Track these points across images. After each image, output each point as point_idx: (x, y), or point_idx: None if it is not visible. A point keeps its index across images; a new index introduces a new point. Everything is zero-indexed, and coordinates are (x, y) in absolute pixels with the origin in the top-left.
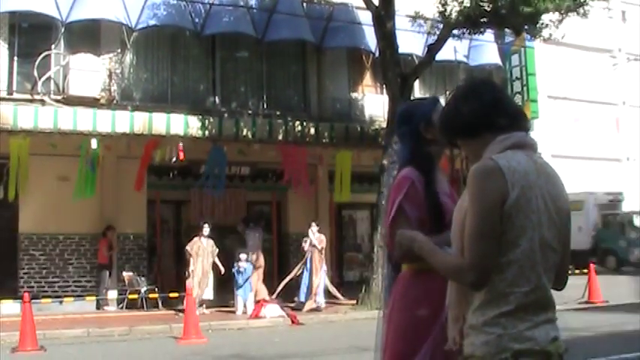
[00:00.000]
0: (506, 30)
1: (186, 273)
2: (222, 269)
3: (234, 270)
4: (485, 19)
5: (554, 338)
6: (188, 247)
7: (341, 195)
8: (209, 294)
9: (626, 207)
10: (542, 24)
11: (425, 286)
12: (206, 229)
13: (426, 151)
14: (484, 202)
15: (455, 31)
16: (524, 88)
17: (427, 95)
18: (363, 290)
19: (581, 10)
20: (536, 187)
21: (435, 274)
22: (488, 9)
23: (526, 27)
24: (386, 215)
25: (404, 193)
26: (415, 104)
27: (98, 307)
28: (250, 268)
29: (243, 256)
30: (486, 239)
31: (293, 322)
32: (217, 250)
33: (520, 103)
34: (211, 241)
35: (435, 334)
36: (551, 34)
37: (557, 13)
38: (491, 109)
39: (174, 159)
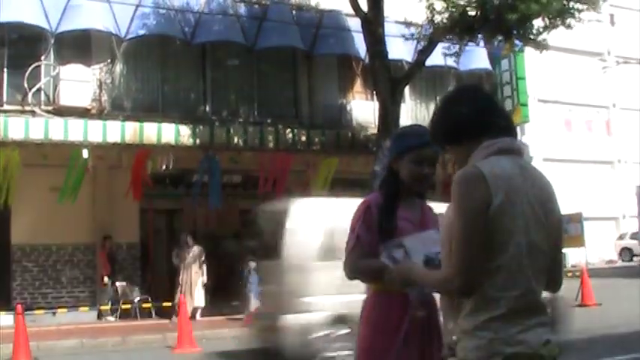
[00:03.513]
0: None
1: (177, 284)
2: (205, 279)
3: (249, 277)
4: (474, 26)
5: (546, 341)
6: (174, 260)
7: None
8: (200, 301)
9: (617, 209)
10: (532, 30)
11: (383, 308)
12: (189, 240)
13: (393, 178)
14: (468, 208)
15: (447, 37)
16: (515, 93)
17: (418, 101)
18: None
19: (569, 20)
20: (522, 192)
21: (393, 295)
22: (477, 15)
23: (515, 32)
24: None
25: (359, 218)
26: (404, 133)
27: (99, 317)
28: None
29: (252, 264)
30: (471, 245)
31: None
32: (203, 257)
33: (510, 108)
34: (197, 250)
35: (399, 353)
36: (544, 40)
37: (546, 20)
38: (475, 117)
39: (164, 167)
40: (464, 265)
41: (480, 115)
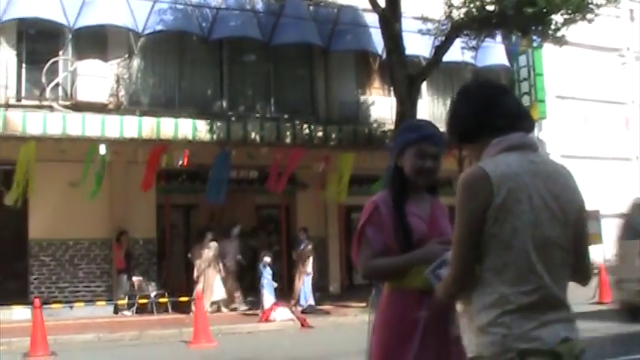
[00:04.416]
0: (514, 31)
1: (195, 279)
2: (223, 274)
3: (263, 271)
4: (492, 21)
5: (565, 339)
6: (189, 255)
7: (338, 195)
8: (219, 294)
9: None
10: (550, 26)
11: (399, 305)
12: (208, 236)
13: (399, 174)
14: (467, 210)
15: (464, 32)
16: (532, 89)
17: (435, 97)
18: (373, 293)
19: (590, 15)
20: (530, 188)
21: (408, 294)
22: (494, 11)
23: (533, 28)
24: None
25: (367, 218)
26: (403, 129)
27: (116, 311)
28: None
29: (267, 259)
30: (464, 246)
31: (302, 325)
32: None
33: (528, 104)
34: (215, 246)
35: (415, 352)
36: (563, 35)
37: (565, 15)
38: (482, 114)
39: (179, 162)
40: (455, 264)
41: (483, 114)
